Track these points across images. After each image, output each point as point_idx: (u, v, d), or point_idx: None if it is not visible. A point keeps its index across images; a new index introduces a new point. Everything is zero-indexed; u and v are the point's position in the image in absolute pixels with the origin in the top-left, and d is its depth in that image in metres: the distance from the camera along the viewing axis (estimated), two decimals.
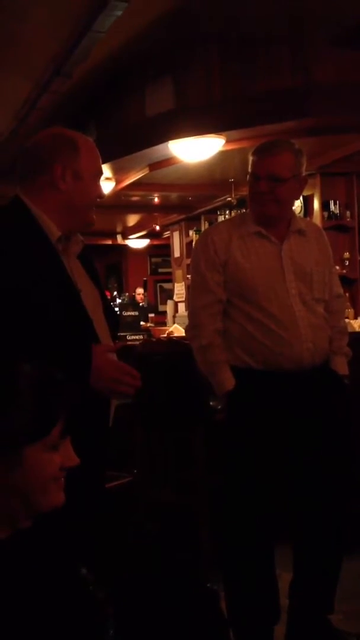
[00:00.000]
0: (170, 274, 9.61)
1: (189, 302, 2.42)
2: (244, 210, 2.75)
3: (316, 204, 6.25)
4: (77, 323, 1.71)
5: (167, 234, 9.54)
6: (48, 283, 1.66)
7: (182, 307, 8.30)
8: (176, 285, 8.94)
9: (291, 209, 2.35)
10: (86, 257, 1.90)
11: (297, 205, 6.09)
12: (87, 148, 1.79)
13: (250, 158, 2.24)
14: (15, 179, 1.82)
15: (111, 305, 2.02)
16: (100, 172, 1.84)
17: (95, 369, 1.67)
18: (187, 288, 8.30)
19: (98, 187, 1.82)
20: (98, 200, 1.83)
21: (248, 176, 2.24)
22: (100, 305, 1.87)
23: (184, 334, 4.82)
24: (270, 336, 2.17)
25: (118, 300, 8.39)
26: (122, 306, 6.54)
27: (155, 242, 10.78)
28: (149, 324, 7.61)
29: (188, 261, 8.29)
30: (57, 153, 1.75)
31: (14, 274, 1.61)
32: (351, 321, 4.39)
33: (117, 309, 7.25)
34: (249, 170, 2.23)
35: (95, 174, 1.80)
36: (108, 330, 1.86)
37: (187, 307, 2.50)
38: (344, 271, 6.18)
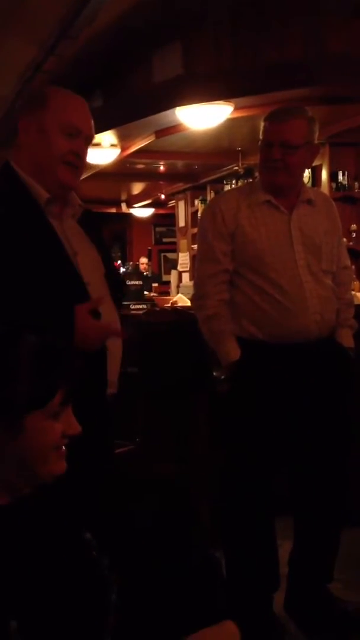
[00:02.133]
0: (174, 243, 9.56)
1: (195, 271, 2.40)
2: (251, 180, 2.72)
3: (324, 175, 6.18)
4: (66, 285, 1.67)
5: (172, 203, 9.46)
6: (33, 246, 1.62)
7: (186, 277, 8.27)
8: (180, 255, 8.90)
9: (302, 177, 2.31)
10: (90, 221, 1.86)
11: (305, 175, 6.02)
12: (57, 102, 1.72)
13: (262, 124, 2.19)
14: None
15: (116, 270, 2.00)
16: (73, 128, 1.72)
17: (78, 333, 1.63)
18: (192, 258, 8.26)
19: (70, 142, 1.71)
20: (75, 157, 1.72)
21: (259, 143, 2.20)
22: (102, 269, 1.82)
23: (188, 304, 4.81)
24: (277, 307, 2.16)
25: (122, 270, 8.37)
26: (126, 275, 6.53)
27: (160, 212, 10.70)
28: (152, 294, 7.60)
29: (193, 231, 8.23)
30: (25, 109, 1.73)
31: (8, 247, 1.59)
32: (357, 293, 4.37)
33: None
34: (260, 137, 2.19)
35: (63, 128, 1.70)
36: (109, 295, 1.82)
37: (191, 277, 2.48)
38: (351, 243, 6.12)
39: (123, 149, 6.14)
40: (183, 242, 8.81)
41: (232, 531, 2.29)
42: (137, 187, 9.43)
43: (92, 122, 1.80)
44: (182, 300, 5.33)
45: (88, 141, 1.78)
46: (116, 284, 1.92)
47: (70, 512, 1.16)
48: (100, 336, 1.71)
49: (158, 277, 10.42)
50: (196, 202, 8.33)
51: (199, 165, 7.45)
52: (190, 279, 7.65)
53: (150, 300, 6.01)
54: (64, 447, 1.14)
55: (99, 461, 1.70)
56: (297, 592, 2.32)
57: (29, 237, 1.65)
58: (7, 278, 1.59)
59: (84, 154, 1.77)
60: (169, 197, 9.28)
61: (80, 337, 1.63)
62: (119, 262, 10.00)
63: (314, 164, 6.00)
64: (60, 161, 1.71)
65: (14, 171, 1.72)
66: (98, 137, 5.56)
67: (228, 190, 4.10)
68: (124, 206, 10.68)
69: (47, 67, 4.75)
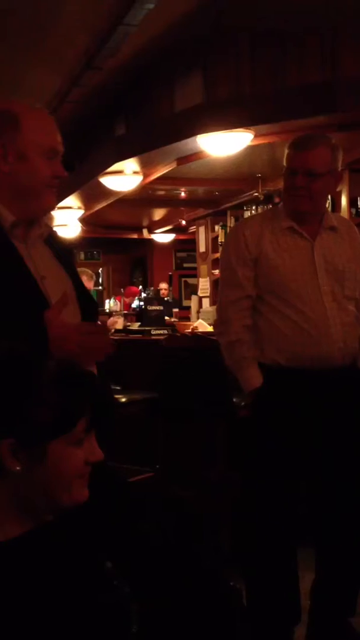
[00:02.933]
0: (195, 269, 9.58)
1: (218, 296, 2.40)
2: (271, 206, 2.73)
3: (344, 201, 6.18)
4: (33, 312, 1.55)
5: (192, 229, 9.51)
6: None
7: (206, 303, 8.28)
8: (201, 280, 8.92)
9: (325, 204, 2.32)
10: (58, 242, 1.76)
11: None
12: (32, 123, 1.60)
13: (286, 151, 2.20)
14: None
15: (88, 293, 1.85)
16: (54, 148, 1.62)
17: (54, 339, 1.51)
18: (212, 283, 8.27)
19: (52, 165, 1.62)
20: (57, 180, 1.63)
21: (283, 170, 2.21)
22: (72, 293, 1.70)
23: (208, 330, 4.81)
24: (300, 334, 2.15)
25: (143, 295, 8.40)
26: (147, 300, 6.54)
27: (181, 237, 10.76)
28: (173, 319, 7.61)
29: (213, 256, 8.26)
30: None
31: None
32: None
33: (142, 303, 7.26)
34: (284, 164, 2.21)
35: (44, 151, 1.60)
36: (80, 318, 1.70)
37: (212, 303, 2.49)
38: None
39: (145, 176, 6.21)
40: (203, 268, 8.84)
41: (252, 561, 2.26)
42: (159, 213, 9.51)
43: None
44: (203, 325, 5.34)
45: (60, 157, 1.69)
46: (89, 307, 1.79)
47: (92, 540, 1.15)
48: (80, 338, 1.57)
49: (178, 303, 10.44)
50: (216, 227, 8.37)
51: (220, 191, 7.50)
52: (211, 305, 7.66)
53: (170, 325, 6.01)
54: (87, 475, 1.14)
55: (111, 485, 1.68)
56: (318, 625, 2.27)
57: None
58: None
59: (64, 174, 1.67)
60: (190, 223, 9.34)
61: (57, 345, 1.51)
62: (140, 287, 10.04)
63: None
64: (45, 186, 1.64)
65: None
66: (121, 165, 5.63)
67: (251, 216, 4.12)
68: (145, 232, 10.76)
69: (72, 97, 4.85)
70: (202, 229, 8.93)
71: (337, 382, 2.17)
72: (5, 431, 1.07)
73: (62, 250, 1.76)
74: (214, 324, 2.44)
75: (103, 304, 8.84)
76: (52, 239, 1.74)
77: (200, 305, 8.38)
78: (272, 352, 2.19)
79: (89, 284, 5.36)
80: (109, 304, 8.83)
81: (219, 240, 7.98)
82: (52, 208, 1.71)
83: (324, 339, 2.14)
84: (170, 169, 5.84)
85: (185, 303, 10.71)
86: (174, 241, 11.13)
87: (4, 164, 1.58)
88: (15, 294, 1.54)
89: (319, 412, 2.16)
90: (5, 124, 1.58)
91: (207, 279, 8.59)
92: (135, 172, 6.03)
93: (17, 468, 1.08)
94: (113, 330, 5.56)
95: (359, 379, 2.25)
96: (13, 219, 1.61)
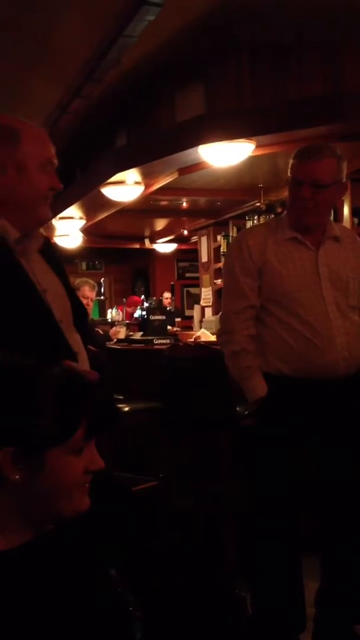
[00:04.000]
0: (197, 278, 9.59)
1: (222, 306, 2.41)
2: (273, 216, 2.74)
3: (346, 210, 6.19)
4: (40, 328, 1.61)
5: (194, 238, 9.53)
6: (5, 289, 1.57)
7: (208, 312, 8.28)
8: (203, 290, 8.93)
9: (329, 215, 2.32)
10: (50, 250, 1.78)
11: None
12: (31, 137, 1.64)
13: (291, 162, 2.20)
14: None
15: (79, 301, 1.88)
16: (50, 161, 1.66)
17: None
18: (214, 293, 8.27)
19: (49, 177, 1.65)
20: (53, 192, 1.67)
21: (288, 180, 2.21)
22: (67, 303, 1.75)
23: (211, 339, 4.81)
24: (305, 343, 2.15)
25: (145, 305, 8.40)
26: (150, 310, 6.54)
27: (183, 247, 10.77)
28: (175, 329, 7.62)
29: (216, 266, 8.27)
30: None
31: None
32: None
33: (144, 312, 7.27)
34: (289, 174, 2.21)
35: (42, 164, 1.64)
36: (75, 329, 1.75)
37: (214, 312, 2.49)
38: None
39: (147, 187, 6.23)
40: (206, 277, 8.84)
41: (258, 568, 2.26)
42: (161, 223, 9.52)
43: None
44: (205, 335, 5.34)
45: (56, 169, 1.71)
46: (81, 316, 1.83)
47: (94, 548, 1.15)
48: None
49: (181, 312, 10.44)
50: (219, 237, 8.38)
51: (222, 201, 7.51)
52: (213, 314, 7.66)
53: (173, 335, 6.01)
54: (87, 484, 1.14)
55: (114, 493, 1.68)
56: (324, 632, 2.27)
57: (1, 280, 1.58)
58: None
59: (59, 186, 1.70)
60: (192, 232, 9.35)
61: None
62: (142, 297, 10.05)
63: None
64: (42, 198, 1.67)
65: None
66: (122, 175, 5.65)
67: (254, 226, 4.13)
68: (147, 242, 10.77)
69: (73, 108, 4.87)
70: (204, 239, 8.95)
71: (341, 392, 2.17)
72: (5, 440, 1.07)
73: (54, 258, 1.78)
74: (218, 334, 2.44)
75: (105, 314, 8.83)
76: (44, 248, 1.75)
77: (202, 314, 8.39)
78: (276, 362, 2.19)
79: (91, 294, 5.37)
80: (111, 314, 8.83)
81: (221, 250, 7.99)
82: (48, 220, 1.74)
83: (328, 349, 2.14)
84: (171, 179, 5.86)
85: (187, 313, 10.71)
86: (176, 251, 11.14)
87: (2, 176, 1.60)
88: (24, 310, 1.58)
89: (323, 422, 2.16)
90: (4, 138, 1.61)
91: (210, 288, 8.59)
92: (136, 183, 6.05)
93: (17, 477, 1.08)
94: (115, 340, 5.56)
95: None
96: (17, 235, 1.63)
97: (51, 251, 1.79)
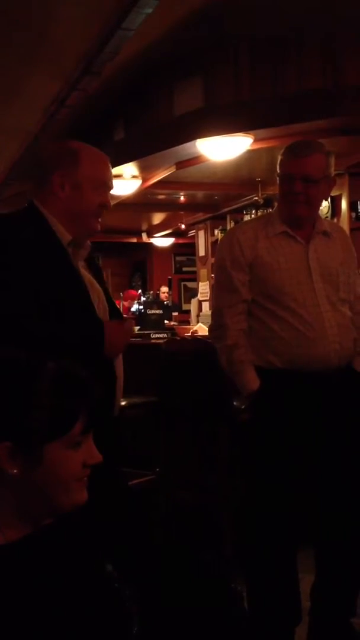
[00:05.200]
0: (194, 272, 9.60)
1: (213, 301, 2.42)
2: (270, 210, 2.75)
3: (344, 204, 6.19)
4: (85, 321, 1.84)
5: (192, 232, 9.52)
6: (61, 284, 1.80)
7: (206, 306, 8.29)
8: (200, 284, 8.93)
9: (319, 209, 2.34)
10: (94, 263, 2.02)
11: (325, 205, 6.04)
12: (90, 160, 1.89)
13: (280, 158, 2.23)
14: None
15: (117, 308, 2.15)
16: (104, 183, 1.91)
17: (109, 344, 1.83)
18: (212, 287, 8.27)
19: (100, 196, 1.90)
20: (103, 209, 1.91)
21: (278, 176, 2.23)
22: (106, 308, 1.98)
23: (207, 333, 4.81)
24: (296, 336, 2.16)
25: (143, 299, 8.40)
26: (147, 304, 6.54)
27: (180, 241, 10.76)
28: (172, 323, 7.62)
29: (213, 260, 8.26)
30: (57, 163, 1.87)
31: (30, 275, 1.74)
32: None
33: (141, 307, 7.26)
34: (279, 170, 2.22)
35: (96, 184, 1.88)
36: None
37: (211, 306, 2.49)
38: None
39: (144, 180, 6.22)
40: (203, 272, 8.85)
41: (254, 562, 2.26)
42: (158, 217, 9.51)
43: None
44: (202, 329, 5.34)
45: (110, 191, 1.97)
46: (116, 316, 2.06)
47: (92, 543, 1.15)
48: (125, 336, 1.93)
49: (178, 306, 10.43)
50: (216, 231, 8.38)
51: (219, 195, 7.51)
52: (210, 308, 7.66)
53: (170, 329, 6.01)
54: (85, 477, 1.14)
55: (111, 488, 1.71)
56: (319, 626, 2.28)
57: (57, 274, 1.81)
58: (40, 312, 1.72)
59: (110, 204, 1.96)
60: (189, 226, 9.35)
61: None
62: (140, 291, 10.05)
63: (333, 194, 6.04)
64: (93, 214, 1.91)
65: (40, 212, 1.87)
66: (120, 169, 5.64)
67: (245, 222, 4.13)
68: (144, 236, 10.76)
69: (70, 101, 4.85)
70: (201, 233, 8.95)
71: (333, 383, 2.18)
72: (2, 434, 1.07)
73: (98, 270, 2.03)
74: (210, 329, 2.46)
75: None
76: (89, 258, 2.01)
77: (200, 308, 8.39)
78: (269, 355, 2.20)
79: None
80: None
81: (218, 244, 7.98)
82: (96, 233, 1.96)
83: (320, 341, 2.15)
84: (169, 173, 5.85)
85: (185, 307, 10.71)
86: (174, 245, 11.14)
87: (61, 191, 1.86)
88: (73, 301, 1.82)
89: (316, 414, 2.17)
90: (66, 158, 1.88)
91: (207, 282, 8.60)
92: (134, 176, 6.04)
93: (15, 471, 1.08)
94: None
95: (355, 380, 2.26)
96: (70, 238, 1.87)
97: (95, 263, 2.04)
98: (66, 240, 1.87)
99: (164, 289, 10.14)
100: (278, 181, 2.24)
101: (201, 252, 8.96)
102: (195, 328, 5.78)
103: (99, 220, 1.95)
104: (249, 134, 4.75)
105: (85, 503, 1.14)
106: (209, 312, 6.78)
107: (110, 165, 1.97)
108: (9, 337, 1.66)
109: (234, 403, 2.80)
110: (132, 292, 9.91)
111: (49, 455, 1.09)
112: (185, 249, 11.03)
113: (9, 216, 1.96)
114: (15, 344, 1.44)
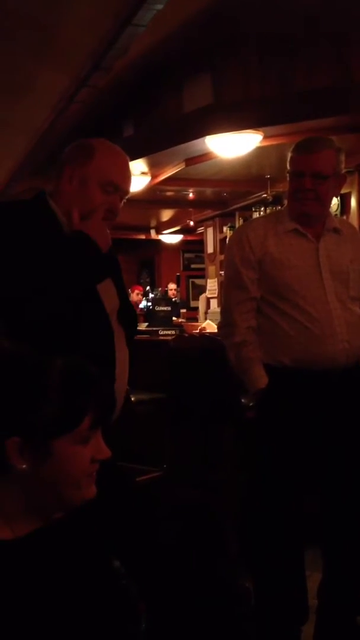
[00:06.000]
0: (202, 270, 9.59)
1: (223, 299, 2.41)
2: (279, 207, 2.74)
3: (353, 202, 6.17)
4: (94, 316, 1.78)
5: (200, 229, 9.51)
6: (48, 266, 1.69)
7: (214, 303, 8.28)
8: (209, 281, 8.92)
9: (329, 206, 2.33)
10: (111, 253, 1.93)
11: (334, 202, 6.02)
12: (104, 157, 1.82)
13: (290, 155, 2.22)
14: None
15: (130, 304, 2.03)
16: (113, 184, 1.81)
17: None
18: (220, 284, 8.27)
19: (105, 197, 1.81)
20: (109, 213, 1.82)
21: (288, 173, 2.22)
22: (116, 302, 1.90)
23: (216, 330, 4.82)
24: (305, 334, 2.15)
25: (151, 295, 8.40)
26: (155, 301, 6.55)
27: (189, 238, 10.76)
28: (180, 320, 7.62)
29: (221, 257, 8.25)
30: (71, 157, 1.83)
31: (35, 269, 1.67)
32: None
33: (149, 303, 7.27)
34: (289, 167, 2.21)
35: (104, 183, 1.80)
36: (122, 333, 1.89)
37: (219, 304, 2.49)
38: None
39: (153, 177, 6.21)
40: (211, 269, 8.84)
41: (260, 560, 2.26)
42: (167, 214, 9.51)
43: (131, 178, 1.90)
44: (210, 326, 5.34)
45: (123, 196, 1.87)
46: (129, 320, 1.97)
47: (100, 539, 1.16)
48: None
49: (186, 303, 10.44)
50: (225, 228, 8.37)
51: (228, 192, 7.50)
52: (219, 306, 7.66)
53: (178, 326, 6.02)
54: (94, 472, 1.14)
55: (116, 484, 1.71)
56: (326, 624, 2.28)
57: (49, 263, 1.71)
58: (45, 307, 1.66)
59: (117, 209, 1.86)
60: (198, 223, 9.34)
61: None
62: (148, 287, 10.06)
63: (343, 192, 6.02)
64: (94, 213, 1.81)
65: (47, 202, 1.82)
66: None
67: (255, 219, 4.12)
68: (153, 232, 10.76)
69: (79, 97, 4.85)
70: (210, 230, 8.93)
71: (341, 382, 2.18)
72: (11, 429, 1.08)
73: (113, 260, 1.98)
74: (219, 326, 2.45)
75: None
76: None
77: (208, 305, 8.38)
78: (277, 353, 2.20)
79: None
80: None
81: (227, 241, 7.97)
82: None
83: (329, 339, 2.15)
84: (178, 169, 5.84)
85: (193, 304, 10.71)
86: (182, 242, 11.13)
87: (68, 184, 1.80)
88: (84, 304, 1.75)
89: (323, 412, 2.16)
90: (80, 152, 1.83)
91: (215, 279, 8.59)
92: (143, 173, 6.04)
93: (23, 466, 1.08)
94: None
95: None
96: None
97: (114, 257, 1.99)
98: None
99: (172, 285, 10.14)
100: (288, 178, 2.23)
101: (209, 249, 8.95)
102: (203, 325, 5.78)
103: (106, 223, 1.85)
104: (258, 131, 4.73)
105: (93, 498, 1.14)
106: (217, 309, 6.80)
107: (128, 171, 1.88)
108: (10, 318, 1.61)
109: (242, 400, 2.80)
110: (137, 287, 9.99)
111: (57, 450, 1.09)
112: (193, 246, 11.02)
113: (11, 202, 1.92)
114: (18, 326, 1.46)
